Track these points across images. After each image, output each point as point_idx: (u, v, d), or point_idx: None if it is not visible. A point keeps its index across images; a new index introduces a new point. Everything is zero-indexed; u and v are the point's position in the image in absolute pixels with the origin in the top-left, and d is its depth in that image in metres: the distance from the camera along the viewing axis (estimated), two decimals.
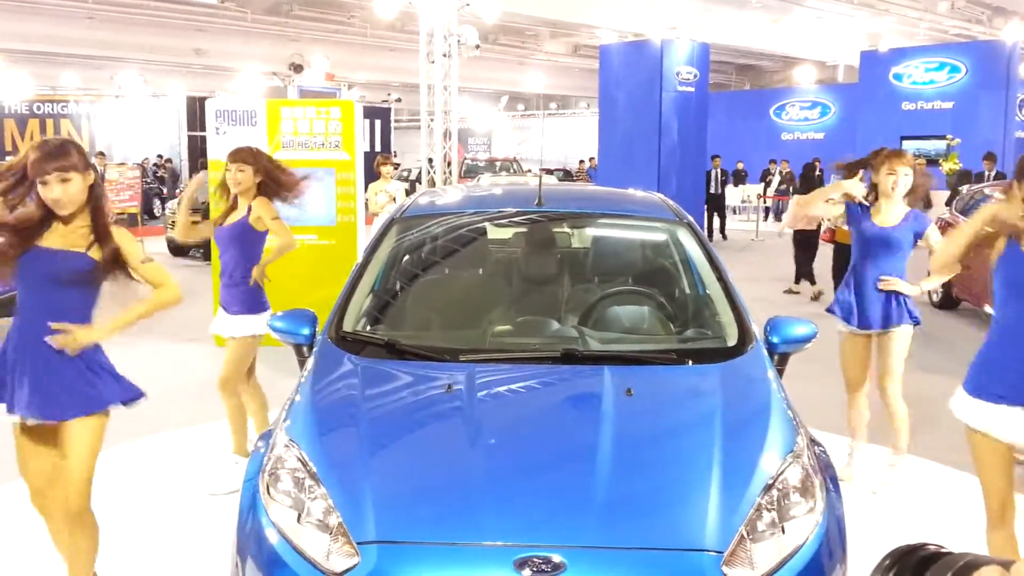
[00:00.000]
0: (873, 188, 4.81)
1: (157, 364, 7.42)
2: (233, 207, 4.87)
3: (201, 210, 10.14)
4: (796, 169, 22.70)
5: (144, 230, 16.44)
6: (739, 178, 24.26)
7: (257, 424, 5.04)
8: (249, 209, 4.79)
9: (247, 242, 4.81)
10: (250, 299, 4.82)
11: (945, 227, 10.92)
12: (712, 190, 18.66)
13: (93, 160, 17.96)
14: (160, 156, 19.79)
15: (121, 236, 3.24)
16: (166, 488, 4.95)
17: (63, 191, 3.07)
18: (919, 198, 4.84)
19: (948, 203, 13.85)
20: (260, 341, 4.92)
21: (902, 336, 4.78)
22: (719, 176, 18.80)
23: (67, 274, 3.12)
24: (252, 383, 5.06)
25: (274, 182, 4.84)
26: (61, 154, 3.07)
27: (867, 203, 4.78)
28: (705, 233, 17.43)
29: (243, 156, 4.80)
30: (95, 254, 3.17)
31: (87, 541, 3.34)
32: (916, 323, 4.80)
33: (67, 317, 3.15)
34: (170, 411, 6.06)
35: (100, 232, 3.18)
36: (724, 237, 18.50)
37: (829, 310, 4.98)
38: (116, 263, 3.20)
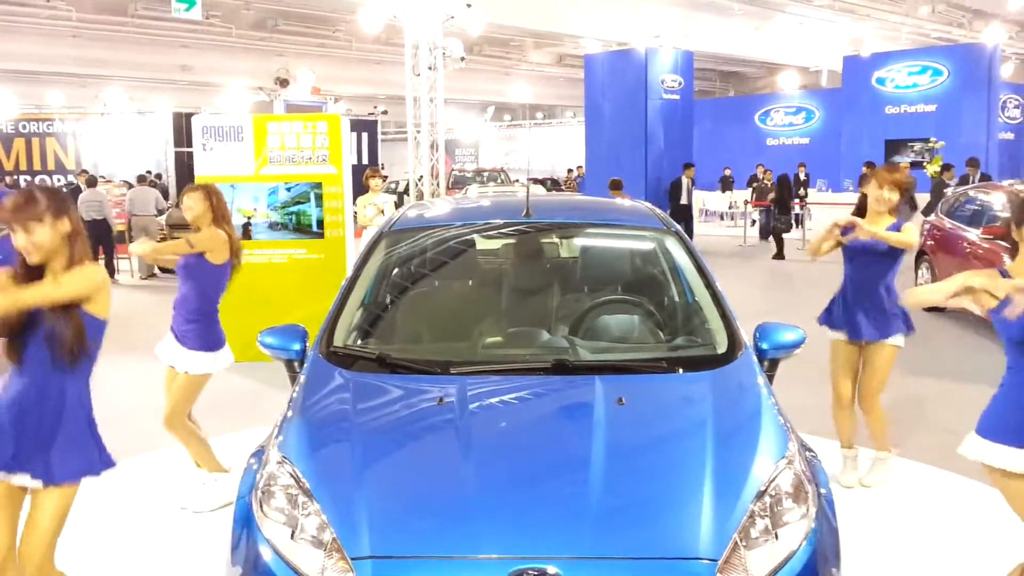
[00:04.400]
0: (864, 201, 4.89)
1: (128, 385, 7.36)
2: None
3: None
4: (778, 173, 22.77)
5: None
6: (726, 184, 24.30)
7: (202, 460, 4.90)
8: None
9: (200, 276, 4.71)
10: (206, 335, 4.72)
11: (932, 230, 11.00)
12: (683, 200, 17.31)
13: (75, 180, 17.40)
14: (149, 172, 19.73)
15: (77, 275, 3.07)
16: (152, 510, 4.90)
17: (26, 240, 2.99)
18: (904, 201, 4.92)
19: (926, 212, 13.95)
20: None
21: (892, 348, 4.88)
22: (690, 186, 17.51)
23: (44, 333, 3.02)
24: (189, 424, 4.90)
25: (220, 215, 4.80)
26: (26, 204, 3.00)
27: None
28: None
29: (190, 205, 4.74)
30: (89, 308, 3.06)
31: None
32: (911, 331, 4.92)
33: (70, 374, 3.08)
34: (145, 433, 5.93)
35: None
36: None
37: (822, 322, 5.05)
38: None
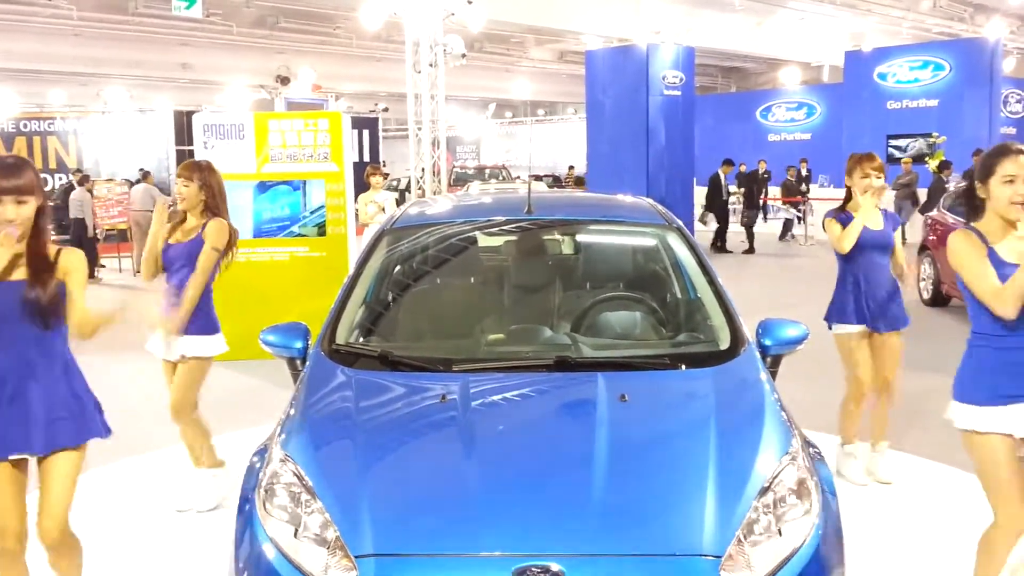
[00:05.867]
0: (848, 192, 4.96)
1: (123, 384, 7.35)
2: (181, 222, 4.72)
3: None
4: (777, 170, 22.72)
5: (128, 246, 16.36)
6: (742, 181, 24.27)
7: (197, 455, 4.85)
8: (203, 227, 4.65)
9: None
10: (203, 320, 4.65)
11: (935, 225, 10.98)
12: (724, 196, 17.64)
13: (70, 178, 17.56)
14: (141, 170, 19.80)
15: (70, 262, 3.07)
16: (149, 510, 4.86)
17: (17, 212, 2.91)
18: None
19: (923, 210, 13.91)
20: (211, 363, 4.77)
21: (900, 337, 4.99)
22: (726, 182, 17.87)
23: (19, 306, 2.97)
24: (196, 414, 4.85)
25: (217, 202, 4.71)
26: (16, 173, 2.92)
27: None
28: (711, 241, 17.26)
29: (183, 173, 4.69)
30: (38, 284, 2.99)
31: (73, 563, 3.30)
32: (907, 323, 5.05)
33: (50, 341, 3.06)
34: (142, 432, 5.91)
35: (38, 263, 3.00)
36: (725, 247, 17.74)
37: (836, 319, 4.99)
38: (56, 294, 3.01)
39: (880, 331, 4.90)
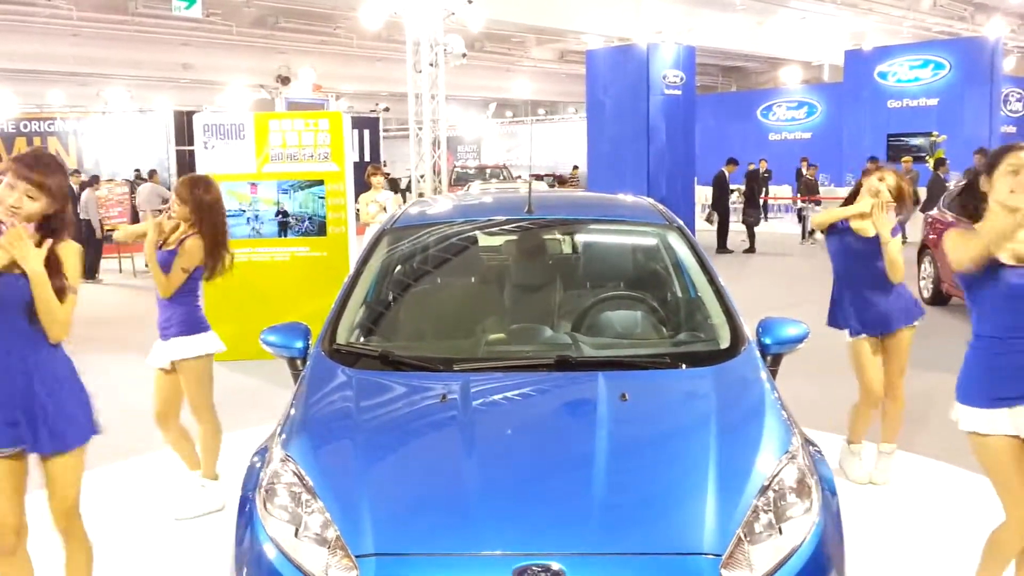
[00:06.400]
0: (854, 191, 4.92)
1: (123, 386, 7.31)
2: (176, 228, 4.72)
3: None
4: (778, 169, 22.67)
5: (138, 246, 16.40)
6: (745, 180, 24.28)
7: (193, 460, 4.85)
8: (181, 243, 4.61)
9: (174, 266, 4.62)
10: (185, 322, 4.64)
11: (934, 223, 10.97)
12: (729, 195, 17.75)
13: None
14: (136, 171, 19.72)
15: (67, 252, 3.08)
16: (150, 511, 4.85)
17: (22, 203, 2.92)
18: (908, 200, 4.89)
19: (924, 209, 13.89)
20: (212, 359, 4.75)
21: (912, 329, 4.90)
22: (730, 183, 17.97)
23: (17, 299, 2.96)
24: (178, 425, 4.84)
25: (203, 220, 4.65)
26: (44, 169, 2.95)
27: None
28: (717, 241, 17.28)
29: (178, 190, 4.69)
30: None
31: (86, 557, 3.34)
32: (921, 315, 4.93)
33: (38, 338, 3.03)
34: (139, 433, 5.86)
35: (51, 268, 2.99)
36: (726, 246, 17.90)
37: (835, 324, 4.99)
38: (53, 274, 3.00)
39: (876, 336, 4.87)
